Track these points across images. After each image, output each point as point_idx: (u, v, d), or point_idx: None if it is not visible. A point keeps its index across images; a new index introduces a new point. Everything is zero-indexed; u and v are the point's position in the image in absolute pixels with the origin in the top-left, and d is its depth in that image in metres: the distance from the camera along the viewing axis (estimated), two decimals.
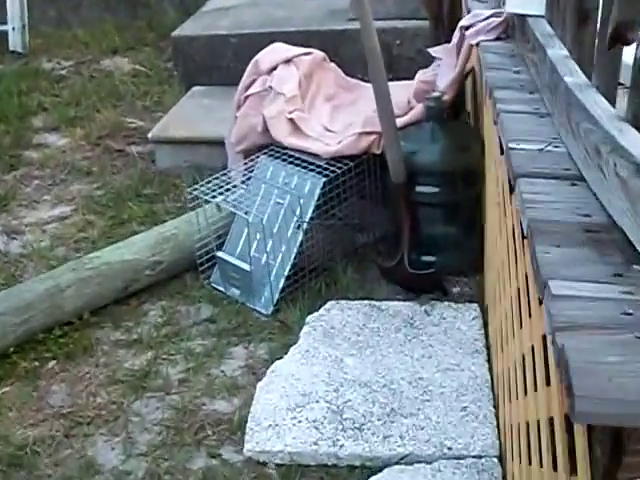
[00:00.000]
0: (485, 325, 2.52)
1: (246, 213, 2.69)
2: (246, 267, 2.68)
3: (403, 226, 2.74)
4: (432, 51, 3.12)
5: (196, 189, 2.74)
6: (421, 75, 2.95)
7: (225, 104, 3.43)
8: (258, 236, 2.73)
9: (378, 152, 2.82)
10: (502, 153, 1.73)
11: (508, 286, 1.93)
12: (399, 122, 2.70)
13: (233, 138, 3.15)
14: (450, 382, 2.26)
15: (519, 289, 1.70)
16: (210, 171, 3.55)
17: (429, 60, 3.12)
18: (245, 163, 3.01)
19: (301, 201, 2.66)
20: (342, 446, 2.07)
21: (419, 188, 2.70)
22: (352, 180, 2.78)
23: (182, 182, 3.53)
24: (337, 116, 3.03)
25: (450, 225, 2.78)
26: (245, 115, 3.11)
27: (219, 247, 2.83)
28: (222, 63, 4.21)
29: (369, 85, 3.27)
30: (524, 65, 2.11)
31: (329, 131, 2.93)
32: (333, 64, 3.24)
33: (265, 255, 2.69)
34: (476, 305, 2.62)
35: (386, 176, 2.77)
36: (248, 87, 3.12)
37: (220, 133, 3.30)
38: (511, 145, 1.55)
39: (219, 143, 3.32)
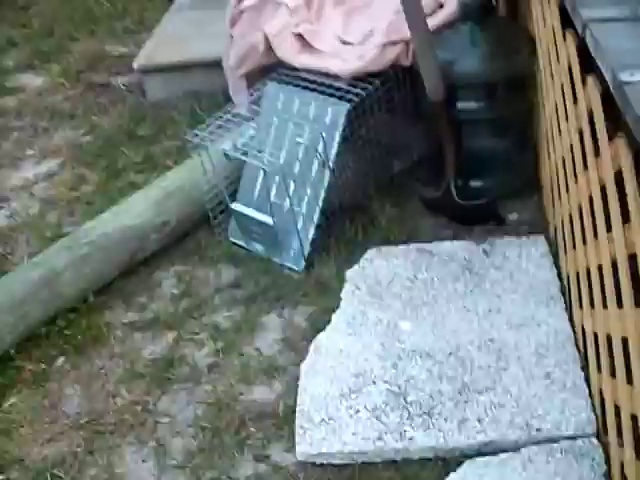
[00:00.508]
0: (556, 257, 2.13)
1: (260, 155, 2.27)
2: (268, 220, 2.29)
3: (446, 150, 2.32)
4: None
5: (197, 135, 2.31)
6: None
7: (217, 15, 2.90)
8: (277, 179, 2.31)
9: (408, 64, 2.36)
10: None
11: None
12: (429, 25, 2.22)
13: (232, 61, 2.68)
14: (526, 342, 1.91)
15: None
16: (209, 98, 3.15)
17: None
18: (250, 93, 2.55)
19: (323, 134, 2.23)
20: (411, 439, 1.74)
21: (461, 104, 2.25)
22: (380, 101, 2.33)
23: (179, 115, 3.10)
24: (352, 23, 2.54)
25: (500, 143, 2.34)
26: (242, 32, 2.63)
27: (232, 196, 2.43)
28: None
29: None
30: None
31: (346, 43, 2.45)
32: None
33: (288, 200, 2.28)
34: (542, 238, 2.23)
35: (420, 92, 2.33)
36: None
37: (216, 52, 2.81)
38: (624, 78, 1.12)
39: (216, 65, 2.83)
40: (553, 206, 2.16)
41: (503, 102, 2.26)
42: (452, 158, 2.32)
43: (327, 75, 2.36)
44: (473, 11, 2.22)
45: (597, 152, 1.56)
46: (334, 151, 2.26)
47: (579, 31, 1.50)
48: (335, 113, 2.26)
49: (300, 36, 2.43)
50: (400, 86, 2.39)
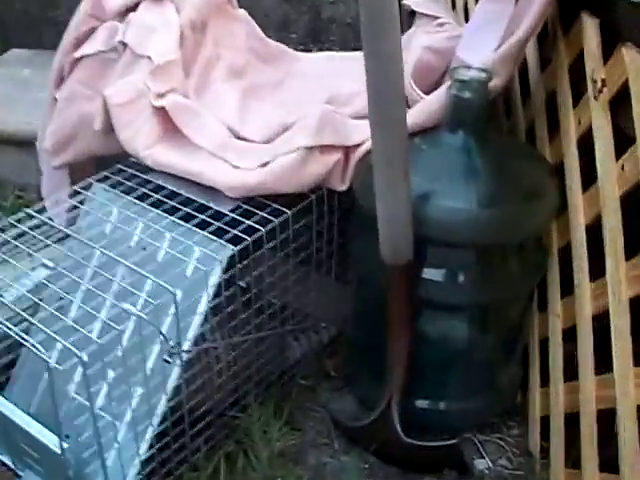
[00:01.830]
0: None
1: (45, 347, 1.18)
2: (52, 444, 1.18)
3: (393, 345, 1.32)
4: (413, 2, 1.71)
5: None
6: (424, 38, 1.52)
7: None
8: (78, 374, 1.22)
9: (342, 188, 1.37)
10: None
11: None
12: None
13: (48, 142, 1.62)
14: None
15: None
16: (19, 190, 2.08)
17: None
18: (73, 192, 1.47)
19: (177, 298, 1.17)
20: None
21: (430, 273, 1.27)
22: (287, 245, 1.33)
23: None
24: (253, 109, 1.54)
25: (480, 343, 1.37)
26: (71, 96, 1.58)
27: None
28: (56, 14, 2.63)
29: (307, 56, 1.86)
30: None
31: (241, 139, 1.45)
32: (244, 11, 1.75)
33: (97, 418, 1.19)
34: None
35: (360, 239, 1.35)
36: (79, 42, 1.59)
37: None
38: None
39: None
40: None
41: (499, 280, 1.30)
42: (403, 359, 1.32)
43: (200, 189, 1.34)
44: (473, 111, 1.27)
45: None
46: (194, 329, 1.21)
47: None
48: (207, 260, 1.21)
49: (164, 113, 1.41)
50: (322, 222, 1.40)
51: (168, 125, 1.41)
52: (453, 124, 1.28)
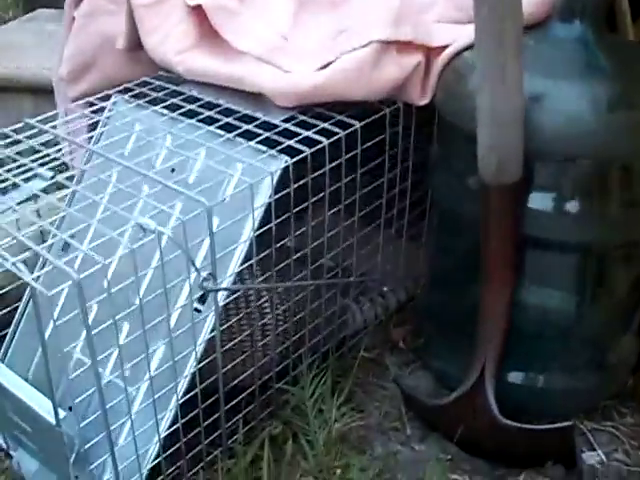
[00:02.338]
0: None
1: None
2: (46, 414, 0.90)
3: (486, 302, 1.02)
4: None
5: None
6: None
7: None
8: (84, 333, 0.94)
9: (422, 102, 1.09)
10: None
11: None
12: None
13: (65, 67, 1.36)
14: None
15: None
16: None
17: None
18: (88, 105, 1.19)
19: (213, 224, 0.89)
20: None
21: (538, 199, 0.98)
22: (353, 167, 1.04)
23: None
24: (308, 19, 1.27)
25: (593, 307, 1.07)
26: (92, 11, 1.32)
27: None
28: None
29: None
30: None
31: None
32: None
33: (101, 379, 0.91)
34: None
35: (448, 164, 1.07)
36: None
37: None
38: None
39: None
40: None
41: (625, 214, 1.00)
42: (501, 319, 1.02)
43: (244, 99, 1.07)
44: (586, 3, 0.99)
45: None
46: (235, 264, 0.93)
47: None
48: (253, 174, 0.93)
49: (200, 13, 1.14)
50: (396, 147, 1.11)
51: (205, 28, 1.14)
52: (567, 14, 1.00)
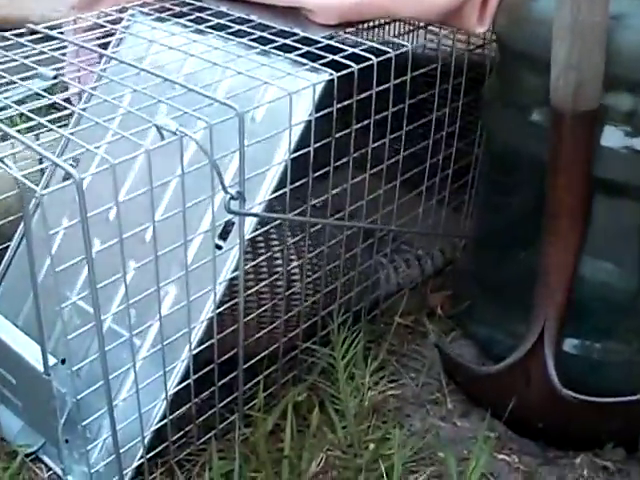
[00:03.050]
0: None
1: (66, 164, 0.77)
2: (33, 360, 0.77)
3: (555, 252, 0.89)
4: None
5: None
6: None
7: None
8: (84, 274, 0.79)
9: (479, 29, 0.96)
10: None
11: None
12: None
13: None
14: None
15: None
16: None
17: None
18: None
19: (244, 143, 0.76)
20: None
21: (612, 138, 0.85)
22: (399, 98, 0.91)
23: None
24: None
25: None
26: None
27: None
28: None
29: None
30: None
31: None
32: None
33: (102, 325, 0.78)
34: None
35: (506, 100, 0.93)
36: None
37: None
38: None
39: None
40: None
41: None
42: (566, 276, 0.89)
43: (280, 15, 0.94)
44: None
45: None
46: (267, 188, 0.79)
47: None
48: (292, 87, 0.80)
49: None
50: (448, 78, 0.98)
51: None
52: None
